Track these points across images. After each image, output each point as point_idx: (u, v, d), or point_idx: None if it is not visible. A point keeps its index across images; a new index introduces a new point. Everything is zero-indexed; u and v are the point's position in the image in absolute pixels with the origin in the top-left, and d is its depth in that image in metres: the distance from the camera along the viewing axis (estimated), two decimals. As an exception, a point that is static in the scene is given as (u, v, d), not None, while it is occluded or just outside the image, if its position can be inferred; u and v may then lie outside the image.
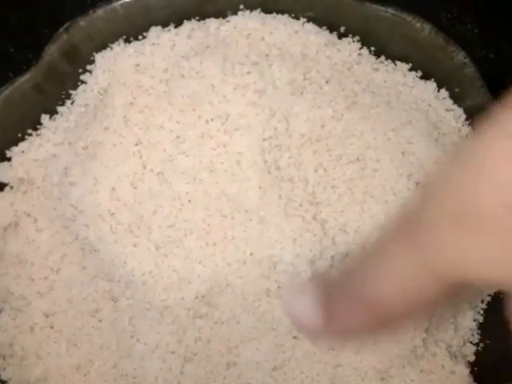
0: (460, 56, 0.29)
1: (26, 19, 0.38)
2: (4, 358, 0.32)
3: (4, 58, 0.38)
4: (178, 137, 0.30)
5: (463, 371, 0.31)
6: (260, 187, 0.30)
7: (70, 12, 0.37)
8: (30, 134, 0.31)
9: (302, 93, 0.29)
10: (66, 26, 0.29)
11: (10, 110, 0.30)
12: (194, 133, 0.30)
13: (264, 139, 0.30)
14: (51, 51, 0.29)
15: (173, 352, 0.31)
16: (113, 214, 0.30)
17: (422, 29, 0.29)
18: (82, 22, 0.29)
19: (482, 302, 0.33)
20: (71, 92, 0.31)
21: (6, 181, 0.31)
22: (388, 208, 0.29)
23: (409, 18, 0.28)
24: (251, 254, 0.30)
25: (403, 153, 0.29)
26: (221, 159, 0.30)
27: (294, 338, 0.30)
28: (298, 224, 0.29)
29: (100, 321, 0.32)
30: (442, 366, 0.31)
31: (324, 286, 0.18)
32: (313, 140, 0.30)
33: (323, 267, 0.28)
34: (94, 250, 0.30)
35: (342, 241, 0.29)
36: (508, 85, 0.34)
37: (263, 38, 0.30)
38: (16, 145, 0.31)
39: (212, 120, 0.30)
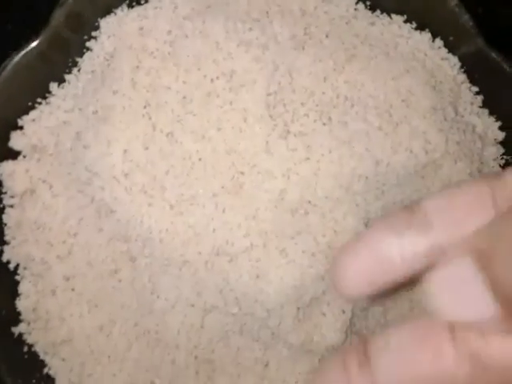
0: (453, 3, 0.30)
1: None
2: (28, 324, 0.33)
3: (3, 34, 0.38)
4: (184, 97, 0.31)
5: None
6: (267, 142, 0.31)
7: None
8: (40, 103, 0.32)
9: (303, 47, 0.30)
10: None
11: (18, 80, 0.31)
12: (200, 92, 0.31)
13: (269, 94, 0.31)
14: (55, 19, 0.30)
15: (193, 305, 0.32)
16: (127, 174, 0.31)
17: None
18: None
19: None
20: (77, 59, 0.32)
21: (19, 149, 0.32)
22: (389, 153, 0.30)
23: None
24: (263, 208, 0.31)
25: (403, 100, 0.31)
26: (227, 116, 0.31)
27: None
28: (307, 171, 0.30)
29: (119, 281, 0.33)
30: None
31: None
32: (316, 93, 0.31)
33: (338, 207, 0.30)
34: (111, 212, 0.31)
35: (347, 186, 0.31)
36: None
37: (263, -4, 0.31)
38: (27, 113, 0.32)
39: (217, 78, 0.31)
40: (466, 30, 0.30)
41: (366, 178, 0.30)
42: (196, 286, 0.31)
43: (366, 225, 0.31)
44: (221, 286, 0.31)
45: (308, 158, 0.30)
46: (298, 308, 0.31)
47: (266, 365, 0.34)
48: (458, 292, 0.13)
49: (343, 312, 0.32)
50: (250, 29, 0.30)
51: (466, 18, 0.30)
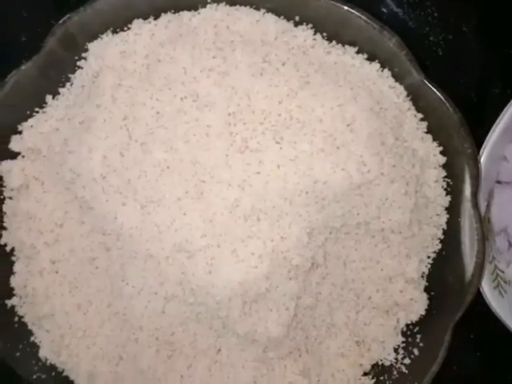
0: (394, 41, 0.33)
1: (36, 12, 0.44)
2: (20, 298, 0.39)
3: (17, 45, 0.44)
4: (157, 112, 0.36)
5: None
6: (226, 155, 0.35)
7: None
8: (37, 112, 0.37)
9: (261, 74, 0.34)
10: (64, 18, 0.35)
11: (19, 92, 0.36)
12: (170, 109, 0.35)
13: (229, 114, 0.35)
14: (52, 41, 0.35)
15: (156, 293, 0.36)
16: (104, 177, 0.35)
17: (362, 19, 0.33)
18: (78, 15, 0.35)
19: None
20: (70, 76, 0.37)
21: (17, 150, 0.37)
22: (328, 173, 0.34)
23: (355, 11, 0.33)
24: (219, 213, 0.35)
25: (348, 125, 0.34)
26: (193, 131, 0.35)
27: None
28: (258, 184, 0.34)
29: (96, 267, 0.38)
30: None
31: None
32: (273, 114, 0.35)
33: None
34: (90, 208, 0.36)
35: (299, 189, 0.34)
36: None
37: (228, 27, 0.35)
38: (26, 120, 0.37)
39: (185, 98, 0.35)
40: (407, 63, 0.33)
41: (306, 193, 0.34)
42: (159, 276, 0.36)
43: (309, 234, 0.35)
44: (180, 278, 0.36)
45: (259, 172, 0.34)
46: (245, 302, 0.35)
47: (219, 350, 0.38)
48: None
49: (287, 309, 0.36)
50: (214, 57, 0.34)
51: (405, 52, 0.33)
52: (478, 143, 0.38)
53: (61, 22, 0.35)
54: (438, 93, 0.33)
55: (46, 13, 0.44)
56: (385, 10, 0.43)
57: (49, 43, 0.35)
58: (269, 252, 0.35)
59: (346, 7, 0.33)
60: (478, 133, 0.38)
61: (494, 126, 0.38)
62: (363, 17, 0.33)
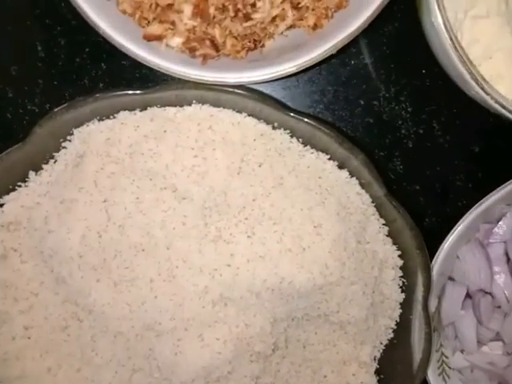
0: (360, 159, 0.36)
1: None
2: (-9, 359, 0.40)
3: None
4: (137, 198, 0.37)
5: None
6: (200, 244, 0.37)
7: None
8: (20, 186, 0.38)
9: (238, 173, 0.36)
10: (55, 110, 0.36)
11: (3, 169, 0.37)
12: (150, 196, 0.37)
13: (205, 208, 0.37)
14: (39, 131, 0.36)
15: (123, 365, 0.39)
16: (81, 256, 0.37)
17: (331, 135, 0.36)
18: (68, 107, 0.36)
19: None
20: (54, 154, 0.38)
21: (-2, 223, 0.38)
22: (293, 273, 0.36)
23: (324, 129, 0.35)
24: (189, 298, 0.37)
25: (315, 227, 0.37)
26: (170, 219, 0.37)
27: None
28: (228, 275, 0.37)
29: (68, 335, 0.40)
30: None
31: None
32: (247, 209, 0.37)
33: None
34: (65, 282, 0.38)
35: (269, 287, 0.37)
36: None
37: (211, 127, 0.37)
38: (7, 194, 0.38)
39: (165, 188, 0.37)
40: (371, 176, 0.36)
41: (273, 290, 0.36)
42: (127, 351, 0.38)
43: (272, 323, 0.38)
44: (147, 353, 0.38)
45: (229, 265, 0.37)
46: (207, 382, 0.38)
47: (180, 420, 0.40)
48: None
49: (246, 390, 0.39)
50: (195, 156, 0.36)
51: (371, 168, 0.36)
52: (440, 234, 0.40)
53: (50, 115, 0.36)
54: (395, 210, 0.36)
55: (34, 69, 0.45)
56: (362, 102, 0.45)
57: (36, 133, 0.36)
58: (233, 338, 0.37)
59: (316, 125, 0.35)
60: (441, 224, 0.41)
61: (454, 229, 0.41)
62: (333, 134, 0.35)
